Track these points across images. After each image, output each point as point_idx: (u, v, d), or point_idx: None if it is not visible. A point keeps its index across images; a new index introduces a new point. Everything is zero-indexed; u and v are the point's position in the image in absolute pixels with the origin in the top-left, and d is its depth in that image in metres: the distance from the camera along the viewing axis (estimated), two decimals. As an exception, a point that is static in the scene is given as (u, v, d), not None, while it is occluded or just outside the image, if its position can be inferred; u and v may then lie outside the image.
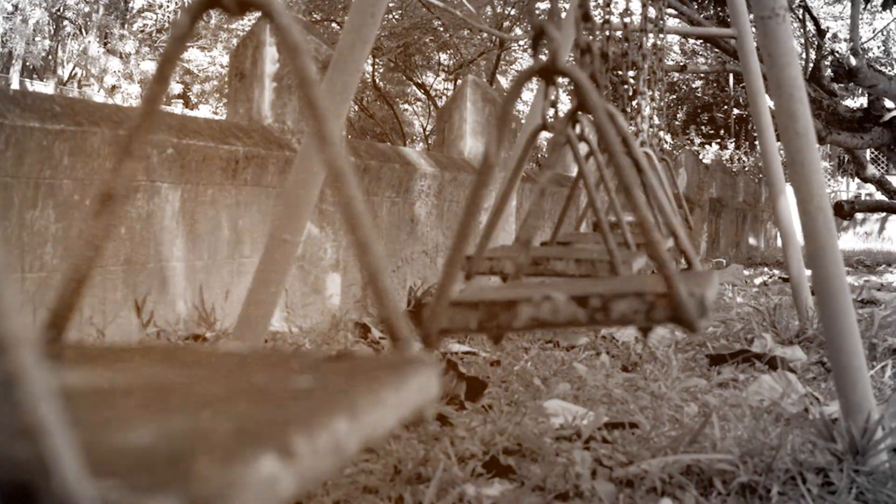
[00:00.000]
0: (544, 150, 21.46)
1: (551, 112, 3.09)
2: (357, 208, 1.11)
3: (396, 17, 22.45)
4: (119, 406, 0.86)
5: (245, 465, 0.67)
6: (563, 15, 6.33)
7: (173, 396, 0.90)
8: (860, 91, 24.23)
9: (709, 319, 1.83)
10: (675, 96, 33.93)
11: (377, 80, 24.78)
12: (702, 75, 32.08)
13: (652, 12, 5.84)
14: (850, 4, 20.77)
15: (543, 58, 1.93)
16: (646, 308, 1.75)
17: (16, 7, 30.08)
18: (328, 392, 0.91)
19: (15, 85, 28.71)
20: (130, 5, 33.44)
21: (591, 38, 2.63)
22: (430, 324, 1.78)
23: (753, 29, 5.68)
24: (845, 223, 28.48)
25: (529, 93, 27.02)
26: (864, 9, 23.94)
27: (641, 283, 1.95)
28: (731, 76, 30.49)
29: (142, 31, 33.13)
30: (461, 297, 1.84)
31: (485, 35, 22.99)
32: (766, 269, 16.34)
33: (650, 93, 6.02)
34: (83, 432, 0.66)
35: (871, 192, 30.05)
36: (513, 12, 23.35)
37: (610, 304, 1.76)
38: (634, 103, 5.39)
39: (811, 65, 18.58)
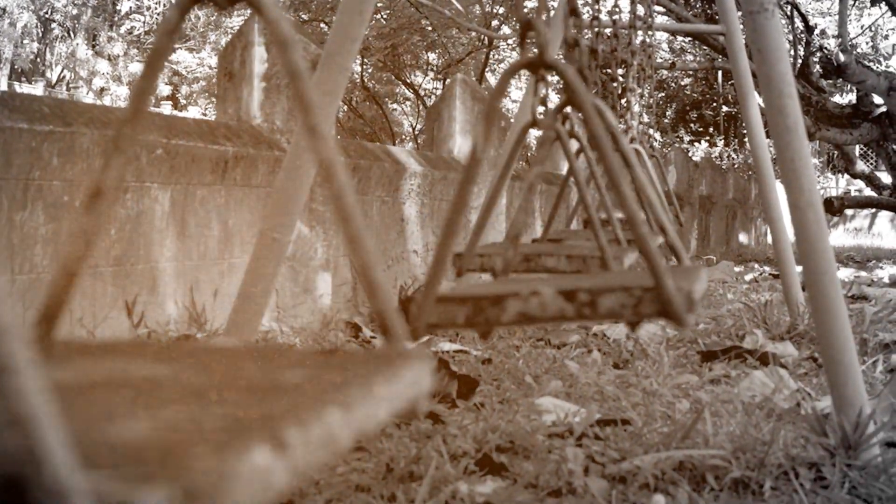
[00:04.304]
0: (534, 147, 21.48)
1: (541, 109, 3.09)
2: (348, 201, 1.10)
3: (385, 17, 22.44)
4: (111, 399, 0.86)
5: (238, 456, 0.67)
6: (552, 12, 6.33)
7: (165, 390, 0.90)
8: (849, 87, 24.27)
9: (695, 314, 1.83)
10: (664, 94, 33.95)
11: (366, 80, 24.78)
12: (690, 73, 32.10)
13: (640, 9, 5.84)
14: (837, 0, 20.80)
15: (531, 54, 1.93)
16: (633, 303, 1.75)
17: (3, 10, 30.00)
18: (320, 385, 0.90)
19: (3, 88, 28.64)
20: (118, 7, 33.38)
21: (578, 33, 2.63)
22: (417, 318, 1.78)
23: (742, 25, 5.68)
24: (835, 219, 28.54)
25: (518, 91, 27.04)
26: (853, 5, 23.98)
27: (629, 277, 1.94)
28: (719, 73, 30.52)
29: (130, 34, 33.07)
30: (449, 293, 1.85)
31: (473, 34, 23.00)
32: (756, 265, 16.35)
33: (639, 90, 6.02)
34: (75, 424, 0.65)
35: (860, 188, 30.09)
36: (501, 11, 23.35)
37: (598, 299, 1.76)
38: (624, 101, 5.39)
39: (800, 61, 18.60)
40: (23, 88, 28.94)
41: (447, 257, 1.80)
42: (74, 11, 31.81)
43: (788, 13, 19.39)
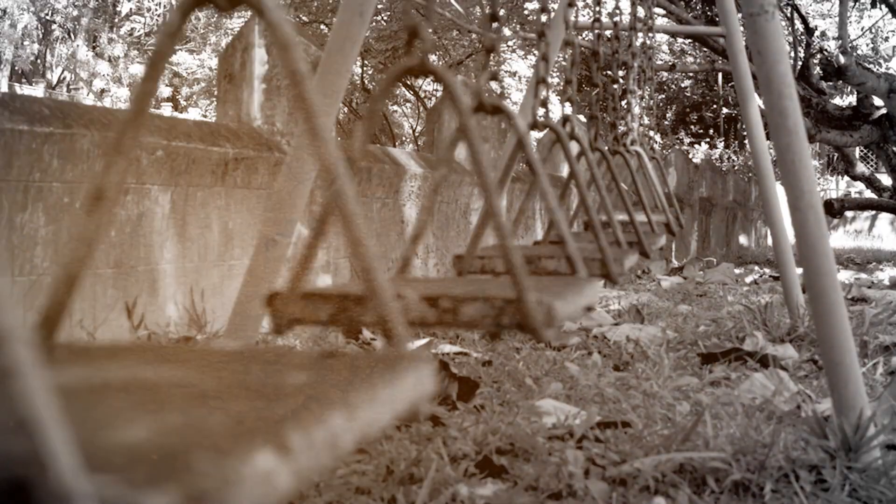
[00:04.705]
0: (535, 149, 21.45)
1: (541, 111, 3.09)
2: (349, 204, 1.10)
3: (385, 18, 22.44)
4: (114, 403, 0.86)
5: (241, 460, 0.67)
6: (552, 15, 6.33)
7: (168, 393, 0.90)
8: (849, 89, 24.27)
9: (556, 329, 1.85)
10: (664, 96, 33.94)
11: (366, 82, 24.78)
12: (691, 75, 32.10)
13: (641, 11, 5.84)
14: (838, 2, 20.80)
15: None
16: (494, 313, 1.76)
17: (4, 11, 29.99)
18: (323, 388, 0.90)
19: (3, 89, 28.63)
20: (119, 9, 33.37)
21: (577, 33, 2.63)
22: (280, 313, 1.79)
23: (742, 27, 5.69)
24: (835, 221, 28.53)
25: (519, 93, 27.04)
26: (853, 6, 23.98)
27: (495, 287, 1.95)
28: (720, 75, 30.53)
29: (130, 35, 33.05)
30: (314, 289, 1.85)
31: (473, 36, 23.00)
32: (756, 267, 16.34)
33: (640, 92, 6.02)
34: (79, 428, 0.65)
35: (860, 190, 30.09)
36: (502, 13, 23.33)
37: (459, 307, 1.78)
38: (624, 103, 5.39)
39: (800, 63, 18.60)
40: (23, 90, 28.94)
41: (315, 254, 1.80)
42: (75, 13, 31.80)
43: (788, 15, 19.40)
